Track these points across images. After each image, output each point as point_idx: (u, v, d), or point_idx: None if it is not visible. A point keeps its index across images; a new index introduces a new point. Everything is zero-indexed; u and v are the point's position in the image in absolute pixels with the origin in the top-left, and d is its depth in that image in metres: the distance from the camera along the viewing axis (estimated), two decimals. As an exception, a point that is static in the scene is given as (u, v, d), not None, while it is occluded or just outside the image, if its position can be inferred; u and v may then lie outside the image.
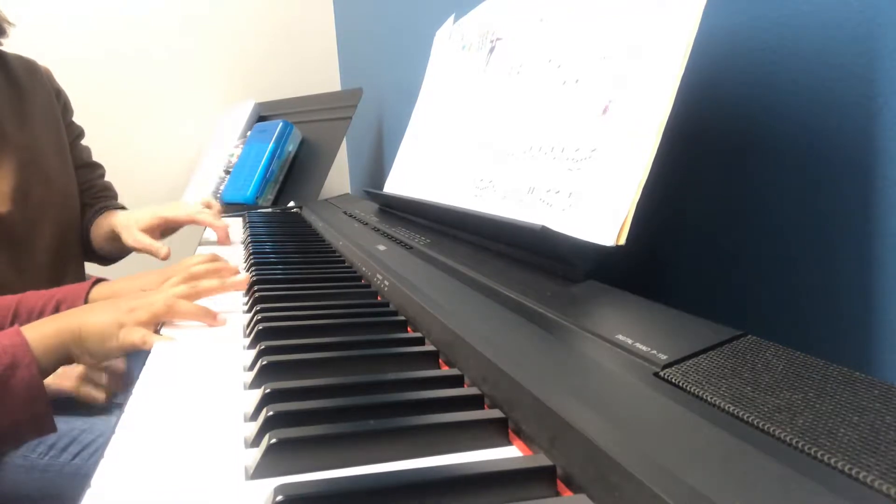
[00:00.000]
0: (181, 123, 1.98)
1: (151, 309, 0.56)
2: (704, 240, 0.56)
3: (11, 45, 1.04)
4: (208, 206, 1.13)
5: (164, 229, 1.11)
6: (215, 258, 0.71)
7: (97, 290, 0.73)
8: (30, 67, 1.10)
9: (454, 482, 0.27)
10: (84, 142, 1.24)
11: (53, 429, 0.53)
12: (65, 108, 1.17)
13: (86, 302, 0.71)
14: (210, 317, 0.57)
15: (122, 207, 1.20)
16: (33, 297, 0.70)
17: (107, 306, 0.59)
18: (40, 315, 0.68)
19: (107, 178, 1.27)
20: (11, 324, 0.68)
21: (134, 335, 0.55)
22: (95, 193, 1.22)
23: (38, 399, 0.52)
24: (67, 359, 0.56)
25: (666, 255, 0.61)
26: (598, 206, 0.46)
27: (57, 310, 0.69)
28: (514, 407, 0.33)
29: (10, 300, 0.69)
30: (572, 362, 0.33)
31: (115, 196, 1.26)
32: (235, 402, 0.39)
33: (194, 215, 1.09)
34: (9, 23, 1.00)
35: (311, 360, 0.43)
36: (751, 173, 0.51)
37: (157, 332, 0.56)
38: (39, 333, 0.55)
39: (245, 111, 1.80)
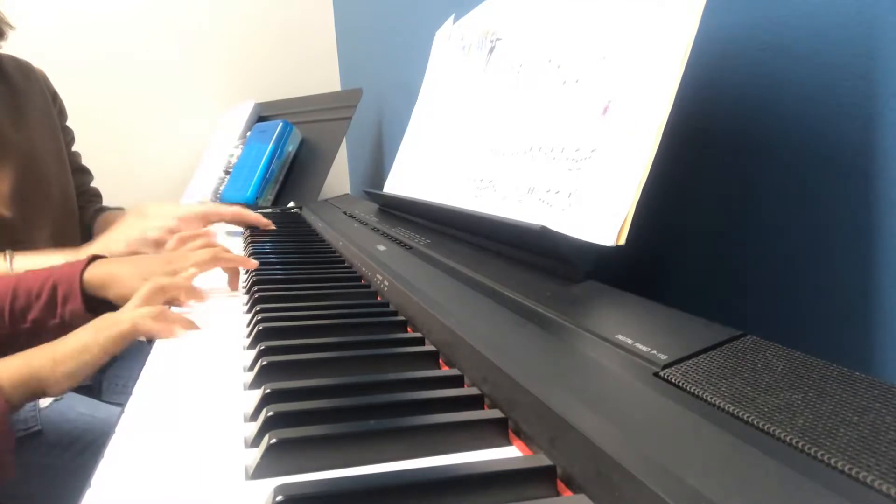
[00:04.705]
0: (181, 123, 1.98)
1: (119, 328, 0.55)
2: (704, 240, 0.56)
3: (10, 47, 1.04)
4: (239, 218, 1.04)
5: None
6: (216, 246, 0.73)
7: (92, 271, 0.70)
8: (25, 69, 1.10)
9: (454, 482, 0.27)
10: (84, 143, 1.24)
11: (11, 473, 0.51)
12: (60, 111, 1.17)
13: (81, 281, 0.69)
14: (171, 332, 0.55)
15: (120, 209, 1.20)
16: (31, 278, 0.69)
17: (86, 327, 0.57)
18: (38, 298, 0.67)
19: (107, 179, 1.28)
20: (10, 305, 0.66)
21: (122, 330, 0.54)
22: (90, 197, 1.22)
23: (3, 436, 0.50)
24: (40, 392, 0.54)
25: (666, 255, 0.61)
26: (597, 207, 0.46)
27: (53, 292, 0.67)
28: (514, 407, 0.33)
29: (8, 280, 0.68)
30: (572, 362, 0.33)
31: (101, 201, 1.27)
32: (235, 403, 0.39)
33: (241, 213, 1.01)
34: (9, 26, 1.00)
35: (311, 360, 0.43)
36: (751, 173, 0.51)
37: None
38: (12, 365, 0.53)
39: (245, 111, 1.80)
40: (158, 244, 0.88)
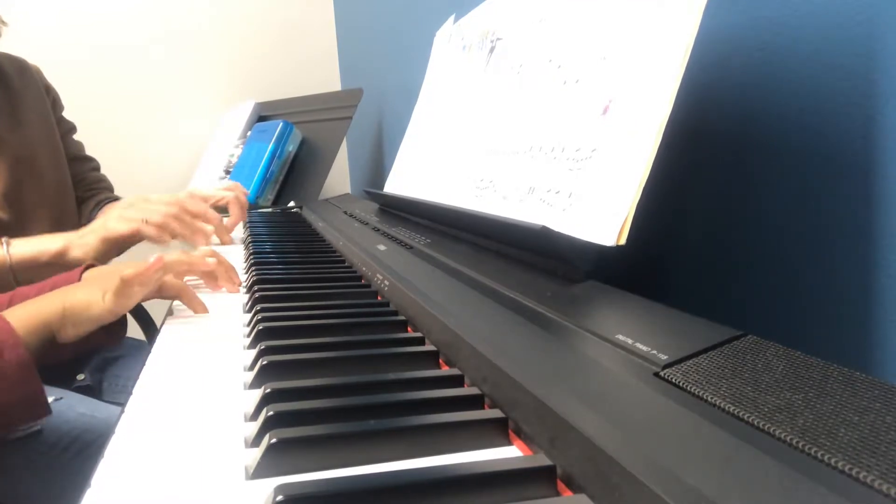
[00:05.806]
0: (181, 123, 1.97)
1: (122, 273, 0.57)
2: (704, 240, 0.56)
3: (10, 47, 1.04)
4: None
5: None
6: (214, 255, 0.71)
7: (89, 271, 0.70)
8: (20, 66, 1.09)
9: (454, 482, 0.27)
10: (84, 143, 1.24)
11: (47, 411, 0.52)
12: (54, 103, 1.17)
13: (80, 279, 0.69)
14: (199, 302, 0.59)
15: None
16: (26, 290, 0.69)
17: (92, 281, 0.59)
18: None
19: (105, 175, 1.27)
20: None
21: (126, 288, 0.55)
22: (89, 186, 1.21)
23: (30, 380, 0.50)
24: (51, 338, 0.55)
25: (666, 255, 0.61)
26: (598, 206, 0.46)
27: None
28: (514, 407, 0.33)
29: (2, 297, 0.69)
30: (572, 362, 0.33)
31: (110, 188, 1.26)
32: (235, 402, 0.39)
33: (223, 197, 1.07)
34: (2, 22, 1.00)
35: (311, 360, 0.43)
36: (751, 173, 0.51)
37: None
38: (23, 313, 0.54)
39: (245, 111, 1.80)
40: (159, 227, 0.91)
